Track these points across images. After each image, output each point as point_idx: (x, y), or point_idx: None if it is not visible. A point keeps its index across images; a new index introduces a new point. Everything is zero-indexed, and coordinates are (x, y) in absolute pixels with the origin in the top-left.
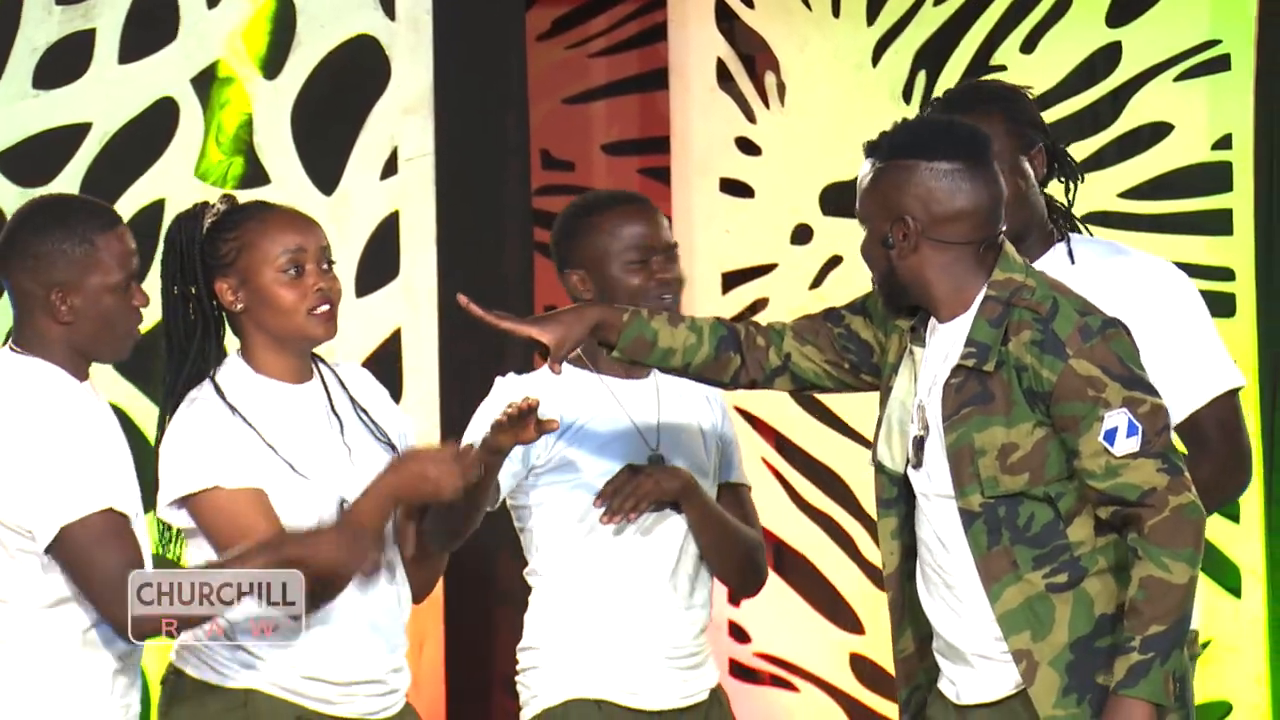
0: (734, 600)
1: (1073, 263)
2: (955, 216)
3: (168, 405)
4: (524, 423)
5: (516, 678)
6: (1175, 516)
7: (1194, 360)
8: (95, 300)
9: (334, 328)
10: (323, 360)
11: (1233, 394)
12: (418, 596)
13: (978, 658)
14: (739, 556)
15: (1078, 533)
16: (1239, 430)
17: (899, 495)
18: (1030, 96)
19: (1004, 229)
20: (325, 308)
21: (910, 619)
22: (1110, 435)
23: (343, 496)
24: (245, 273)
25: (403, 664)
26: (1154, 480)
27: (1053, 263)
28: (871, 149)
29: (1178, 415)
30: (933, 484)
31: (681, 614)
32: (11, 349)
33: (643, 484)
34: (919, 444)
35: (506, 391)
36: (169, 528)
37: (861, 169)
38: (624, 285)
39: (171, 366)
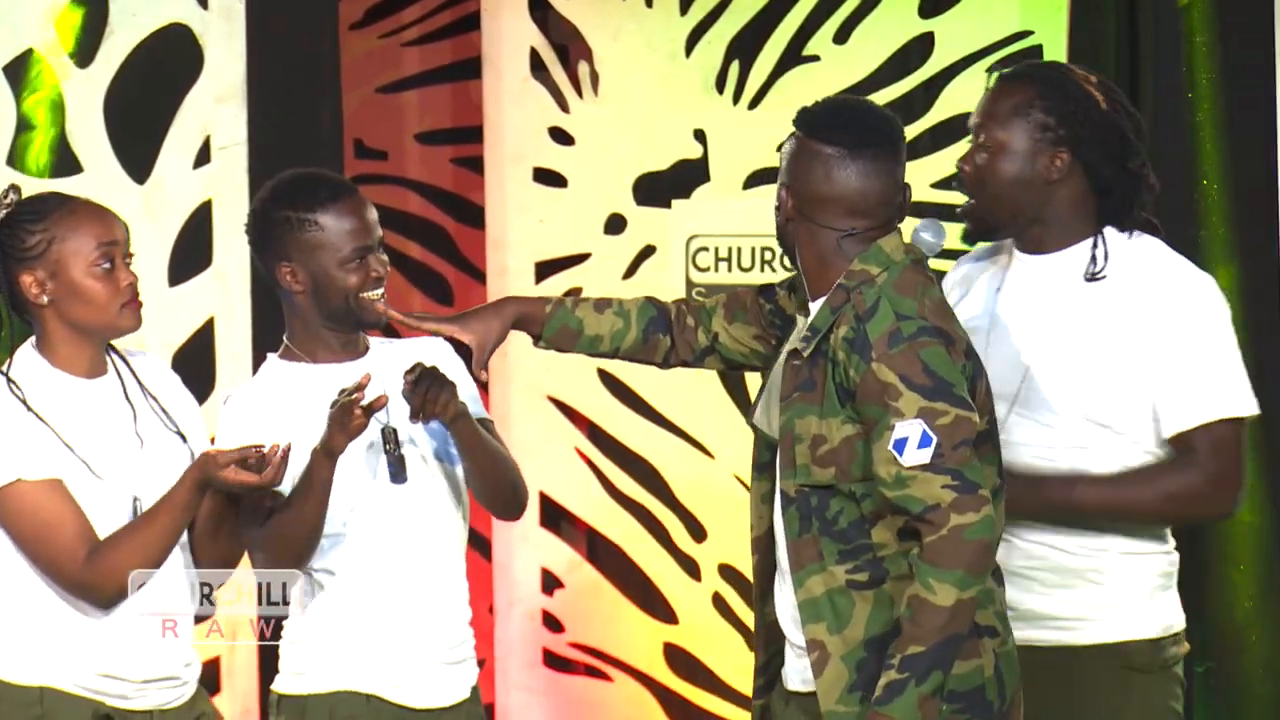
0: (502, 517)
1: (1093, 261)
2: (822, 200)
3: None
4: (353, 415)
5: (281, 643)
6: (952, 536)
7: (1199, 379)
8: None
9: (140, 317)
10: (116, 351)
11: (1234, 422)
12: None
13: (791, 645)
14: (507, 477)
15: (881, 534)
16: (1231, 459)
17: (771, 460)
18: (1098, 103)
19: (893, 223)
20: (135, 300)
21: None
22: (900, 445)
23: (135, 495)
24: (56, 265)
25: (193, 657)
26: (938, 496)
27: (1074, 258)
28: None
29: (1168, 430)
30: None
31: (447, 609)
32: None
33: (445, 392)
34: None
35: (239, 407)
36: None
37: None
38: (338, 285)
39: None
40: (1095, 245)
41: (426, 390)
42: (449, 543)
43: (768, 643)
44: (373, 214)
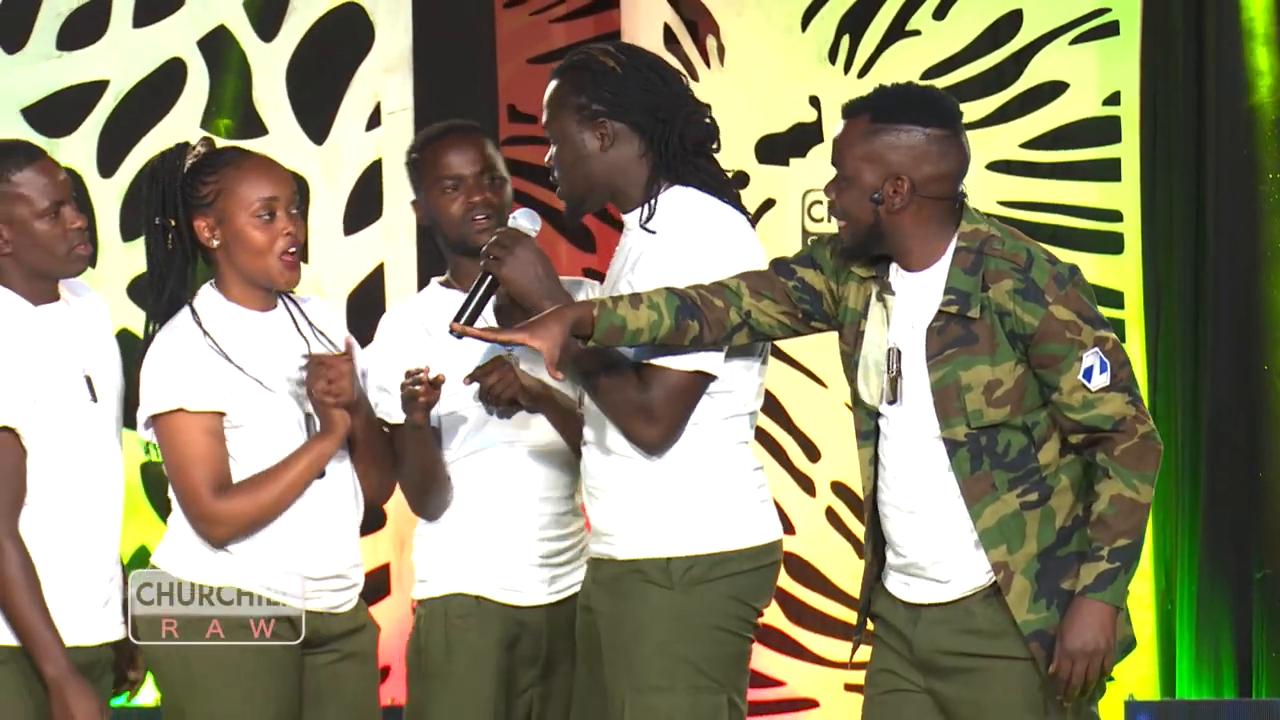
0: None
1: (644, 212)
2: (943, 176)
3: (149, 326)
4: (421, 395)
5: (413, 555)
6: (1142, 443)
7: None
8: (26, 229)
9: (297, 276)
10: (284, 293)
11: (694, 374)
12: (376, 500)
13: (940, 571)
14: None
15: (1046, 455)
16: (676, 404)
17: (875, 428)
18: (613, 70)
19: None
20: (291, 251)
21: (875, 534)
22: (1088, 373)
23: (308, 412)
24: (223, 213)
25: (359, 559)
26: (1124, 410)
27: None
28: (858, 110)
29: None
30: (911, 417)
31: (554, 517)
32: None
33: (513, 384)
34: (894, 383)
35: (397, 320)
36: (149, 445)
37: (842, 128)
38: (444, 213)
39: (152, 291)
40: (648, 198)
41: (494, 384)
42: (546, 450)
43: (869, 583)
44: (477, 151)
